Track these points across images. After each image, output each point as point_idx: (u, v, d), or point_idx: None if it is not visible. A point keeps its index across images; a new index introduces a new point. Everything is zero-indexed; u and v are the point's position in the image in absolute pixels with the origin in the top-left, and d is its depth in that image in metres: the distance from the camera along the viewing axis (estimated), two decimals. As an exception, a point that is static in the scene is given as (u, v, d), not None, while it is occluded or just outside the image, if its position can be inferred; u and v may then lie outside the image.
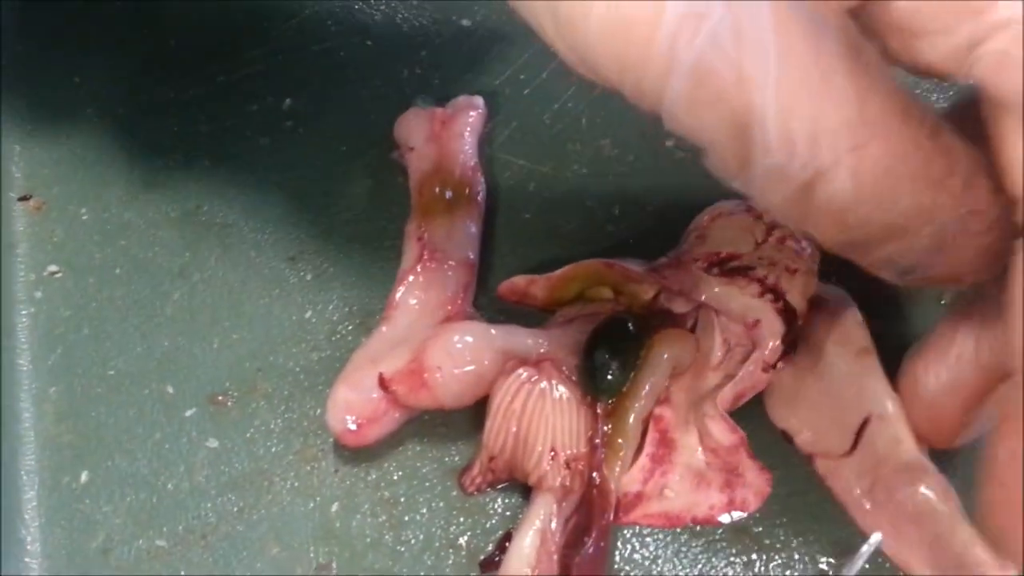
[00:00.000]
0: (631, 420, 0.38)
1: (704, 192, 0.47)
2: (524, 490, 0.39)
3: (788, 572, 0.36)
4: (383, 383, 0.39)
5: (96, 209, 0.50)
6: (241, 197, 0.50)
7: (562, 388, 0.39)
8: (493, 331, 0.40)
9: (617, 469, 0.38)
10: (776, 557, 0.37)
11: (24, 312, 0.47)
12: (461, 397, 0.39)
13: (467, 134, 0.49)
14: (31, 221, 0.50)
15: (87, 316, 0.47)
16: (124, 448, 0.42)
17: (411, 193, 0.47)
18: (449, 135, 0.49)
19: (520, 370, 0.39)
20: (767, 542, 0.37)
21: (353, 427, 0.39)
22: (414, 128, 0.49)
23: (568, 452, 0.38)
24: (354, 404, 0.39)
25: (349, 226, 0.48)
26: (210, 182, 0.51)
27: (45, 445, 0.43)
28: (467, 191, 0.46)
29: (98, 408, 0.44)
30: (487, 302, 0.45)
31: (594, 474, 0.37)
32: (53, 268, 0.48)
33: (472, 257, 0.45)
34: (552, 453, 0.38)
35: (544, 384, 0.39)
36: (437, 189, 0.46)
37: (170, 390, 0.44)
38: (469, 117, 0.50)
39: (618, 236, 0.47)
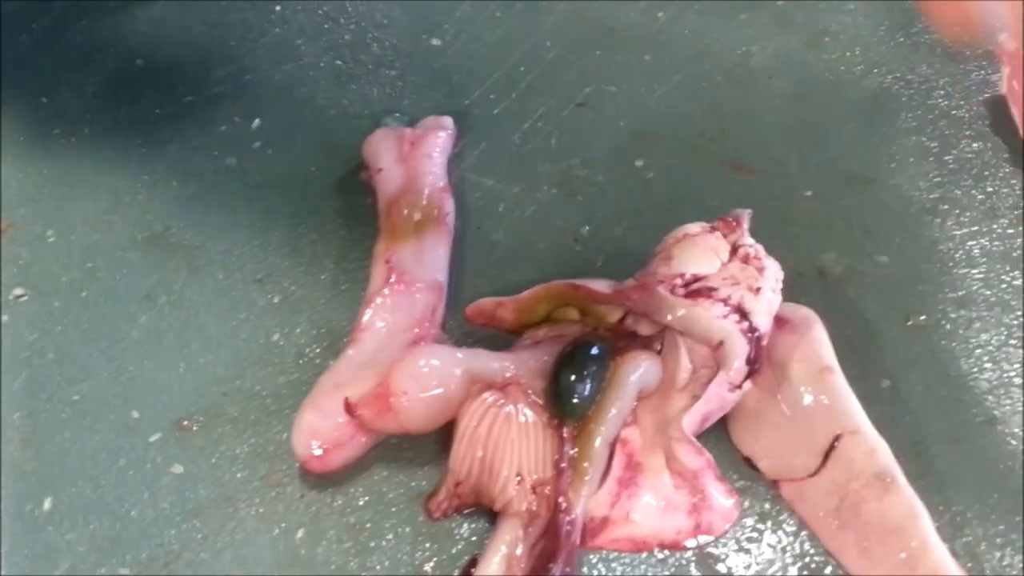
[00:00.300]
0: (597, 443, 0.38)
1: (672, 213, 0.47)
2: (490, 515, 0.39)
3: (754, 596, 0.36)
4: (349, 408, 0.39)
5: (62, 231, 0.50)
6: (208, 218, 0.50)
7: (528, 412, 0.39)
8: (459, 355, 0.40)
9: (584, 493, 0.38)
10: (742, 581, 0.37)
11: (-13, 336, 0.47)
12: (427, 421, 0.39)
13: (436, 154, 0.49)
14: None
15: (53, 340, 0.46)
16: (88, 474, 0.42)
17: (379, 214, 0.47)
18: (418, 156, 0.49)
19: (486, 394, 0.39)
20: (734, 567, 0.37)
21: (318, 452, 0.39)
22: (382, 148, 0.49)
23: (534, 477, 0.38)
24: (320, 429, 0.39)
25: (317, 247, 0.48)
26: (177, 203, 0.50)
27: (9, 471, 0.42)
28: (436, 213, 0.46)
29: (62, 434, 0.43)
30: (455, 324, 0.45)
31: (560, 499, 0.37)
32: (19, 291, 0.48)
33: (441, 280, 0.45)
34: (518, 478, 0.38)
35: (510, 408, 0.39)
36: (406, 211, 0.46)
37: (135, 415, 0.43)
38: (438, 138, 0.50)
39: (586, 257, 0.47)
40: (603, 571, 0.37)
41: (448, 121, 0.51)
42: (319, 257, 0.48)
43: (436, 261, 0.45)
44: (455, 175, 0.50)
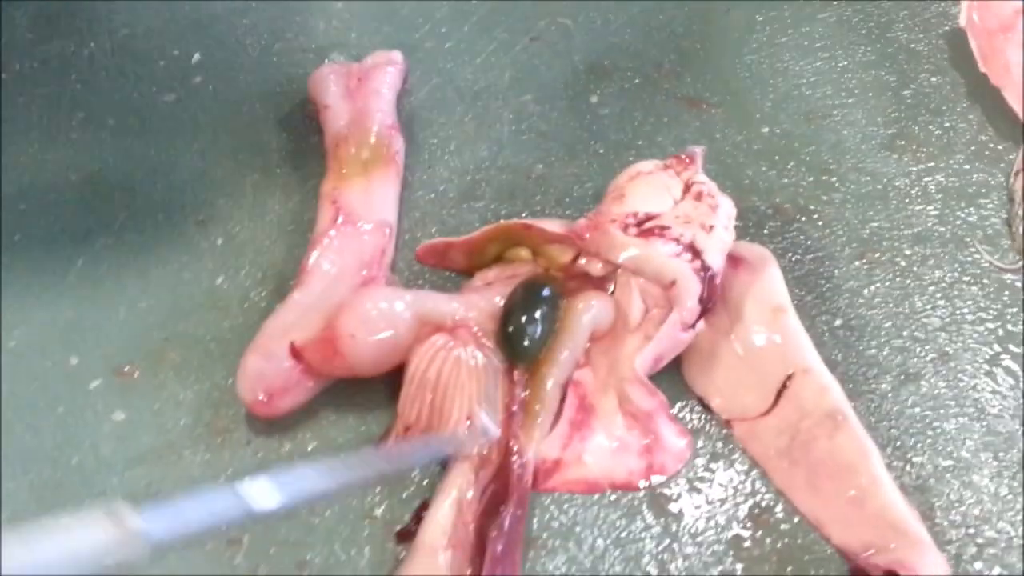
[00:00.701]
0: (549, 386, 0.37)
1: (627, 150, 0.47)
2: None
3: (706, 533, 0.36)
4: (295, 352, 0.38)
5: (-6, 171, 0.48)
6: (147, 157, 0.48)
7: (479, 355, 0.38)
8: (409, 296, 0.38)
9: (535, 436, 0.37)
10: (694, 521, 0.36)
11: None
12: (376, 364, 0.38)
13: (384, 90, 0.47)
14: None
15: (-13, 281, 0.45)
16: (26, 422, 0.41)
17: (326, 153, 0.46)
18: (365, 92, 0.47)
19: (436, 337, 0.38)
20: (685, 507, 0.37)
21: (264, 398, 0.38)
22: (329, 84, 0.47)
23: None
24: (265, 374, 0.38)
25: (261, 188, 0.47)
26: (114, 142, 0.49)
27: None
28: (384, 151, 0.45)
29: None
30: (405, 266, 0.44)
31: (511, 442, 0.36)
32: (-52, 235, 0.46)
33: (390, 220, 0.43)
34: (468, 421, 0.37)
35: (460, 351, 0.38)
36: (353, 149, 0.45)
37: (74, 361, 0.42)
38: (387, 73, 0.48)
39: (540, 196, 0.46)
40: (556, 513, 0.37)
41: (397, 55, 0.49)
42: (263, 198, 0.47)
43: (385, 201, 0.44)
44: (405, 112, 0.49)
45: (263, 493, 0.28)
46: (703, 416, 0.39)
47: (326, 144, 0.46)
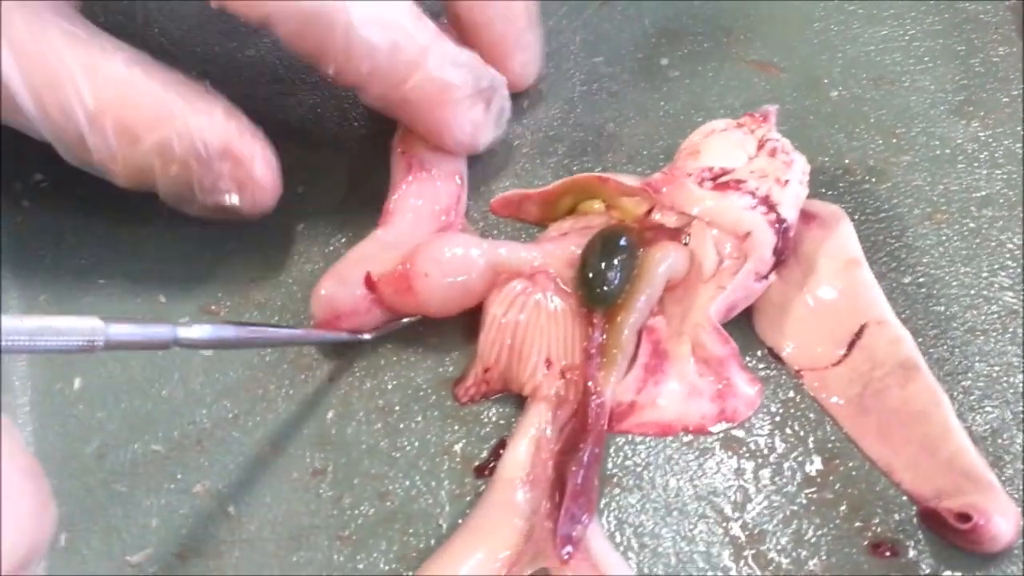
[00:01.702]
0: (626, 330, 0.39)
1: (696, 111, 0.47)
2: (518, 400, 0.39)
3: (777, 478, 0.37)
4: (369, 282, 0.39)
5: (80, 120, 0.50)
6: (230, 108, 0.50)
7: (557, 299, 0.39)
8: (485, 244, 0.40)
9: (612, 378, 0.38)
10: (765, 464, 0.38)
11: (9, 221, 0.46)
12: (445, 306, 0.40)
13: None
14: (14, 131, 0.49)
15: (75, 226, 0.46)
16: (117, 356, 0.42)
17: None
18: None
19: (515, 282, 0.39)
20: (756, 450, 0.38)
21: (331, 318, 0.40)
22: None
23: (563, 362, 0.38)
24: (337, 297, 0.40)
25: (339, 141, 0.48)
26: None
27: (35, 355, 0.43)
28: None
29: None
30: (480, 217, 0.45)
31: (590, 383, 0.38)
32: (39, 176, 0.48)
33: (460, 169, 0.45)
34: (547, 363, 0.38)
35: (539, 295, 0.39)
36: None
37: (162, 299, 0.44)
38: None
39: (611, 153, 0.47)
40: (629, 453, 0.38)
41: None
42: (341, 151, 0.48)
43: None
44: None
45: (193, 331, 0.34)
46: (773, 366, 0.40)
47: None
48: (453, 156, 0.45)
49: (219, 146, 0.38)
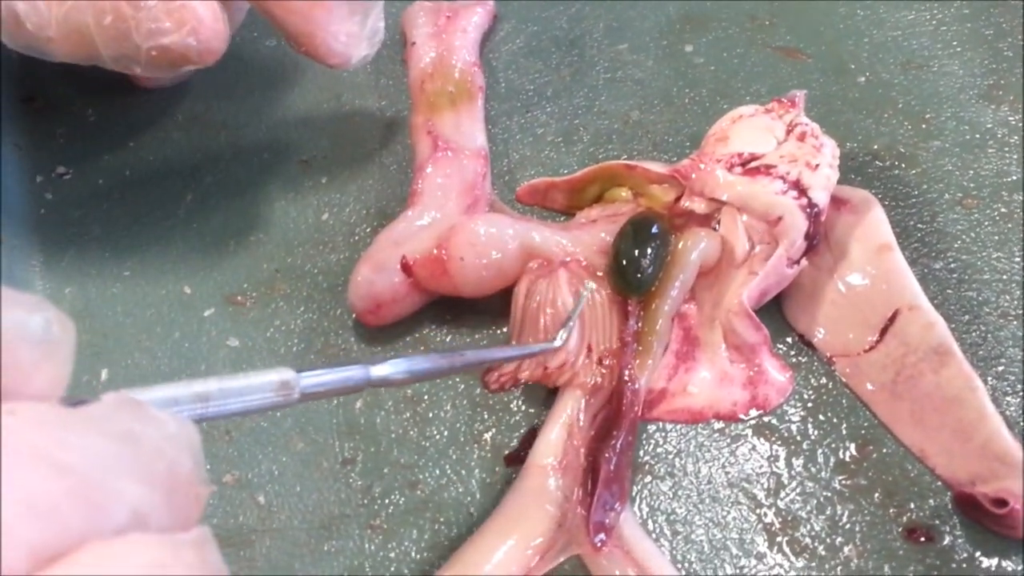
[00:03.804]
0: (661, 318, 0.38)
1: (722, 98, 0.47)
2: (546, 389, 0.39)
3: (810, 465, 0.37)
4: (405, 267, 0.39)
5: (101, 111, 0.50)
6: (249, 99, 0.50)
7: (591, 286, 0.39)
8: (518, 226, 0.40)
9: (648, 365, 0.38)
10: (798, 451, 0.37)
11: (33, 213, 0.46)
12: (480, 287, 0.40)
13: (470, 30, 0.49)
14: (36, 121, 0.49)
15: (98, 218, 0.46)
16: (143, 347, 0.42)
17: (411, 88, 0.47)
18: (452, 30, 0.48)
19: (556, 270, 0.39)
20: (788, 437, 0.38)
21: (373, 307, 0.40)
22: (418, 21, 0.49)
23: (601, 348, 0.38)
24: (376, 284, 0.40)
25: (362, 128, 0.48)
26: (217, 84, 0.50)
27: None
28: (469, 85, 0.46)
29: (114, 308, 0.43)
30: (505, 205, 0.45)
31: (625, 371, 0.37)
32: (61, 169, 0.48)
33: (483, 146, 0.45)
34: (588, 350, 0.38)
35: (573, 283, 0.39)
36: (439, 84, 0.46)
37: (187, 290, 0.44)
38: (475, 13, 0.49)
39: (637, 141, 0.46)
40: (661, 441, 0.38)
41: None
42: (363, 137, 0.48)
43: (475, 129, 0.45)
44: (502, 58, 0.50)
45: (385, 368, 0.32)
46: (805, 352, 0.40)
47: (411, 81, 0.47)
48: (477, 134, 0.45)
49: None
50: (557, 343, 0.37)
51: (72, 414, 0.20)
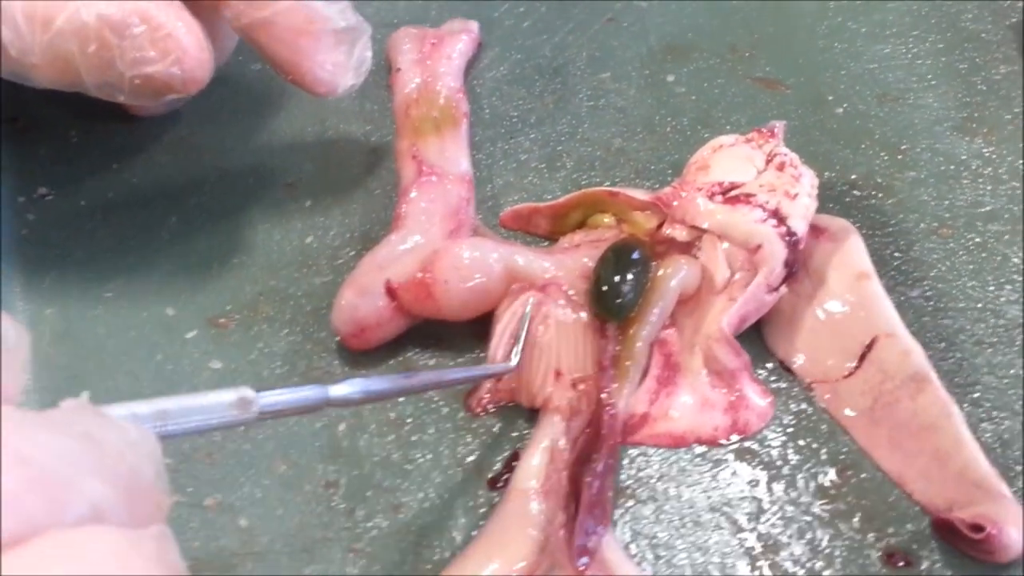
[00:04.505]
0: (639, 343, 0.39)
1: (703, 127, 0.48)
2: (530, 412, 0.39)
3: (790, 489, 0.37)
4: (390, 291, 0.39)
5: (84, 132, 0.50)
6: (234, 123, 0.50)
7: (568, 311, 0.39)
8: (502, 249, 0.40)
9: (626, 390, 0.38)
10: (778, 476, 0.38)
11: (14, 234, 0.46)
12: (465, 310, 0.40)
13: (455, 57, 0.49)
14: (18, 142, 0.49)
15: (81, 239, 0.46)
16: (125, 369, 0.42)
17: (396, 114, 0.47)
18: (437, 57, 0.49)
19: (527, 295, 0.39)
20: (769, 461, 0.38)
21: (357, 331, 0.40)
22: (403, 48, 0.50)
23: (575, 374, 0.38)
24: (360, 308, 0.40)
25: (346, 152, 0.48)
26: (201, 108, 0.50)
27: (42, 366, 0.42)
28: (453, 111, 0.47)
29: (96, 330, 0.43)
30: (488, 230, 0.45)
31: (603, 394, 0.38)
32: (43, 190, 0.48)
33: (468, 171, 0.45)
34: (556, 375, 0.38)
35: (550, 308, 0.39)
36: (424, 110, 0.47)
37: (170, 312, 0.43)
38: (460, 40, 0.50)
39: (619, 168, 0.47)
40: (642, 465, 0.38)
41: (473, 25, 0.51)
42: (348, 162, 0.48)
43: (459, 155, 0.46)
44: (486, 85, 0.50)
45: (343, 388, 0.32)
46: (784, 378, 0.40)
47: (395, 107, 0.48)
48: (461, 159, 0.45)
49: (132, 8, 0.37)
50: (512, 362, 0.38)
51: (33, 415, 0.21)
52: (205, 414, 0.28)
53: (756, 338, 0.41)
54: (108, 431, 0.22)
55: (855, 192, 0.45)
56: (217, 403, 0.29)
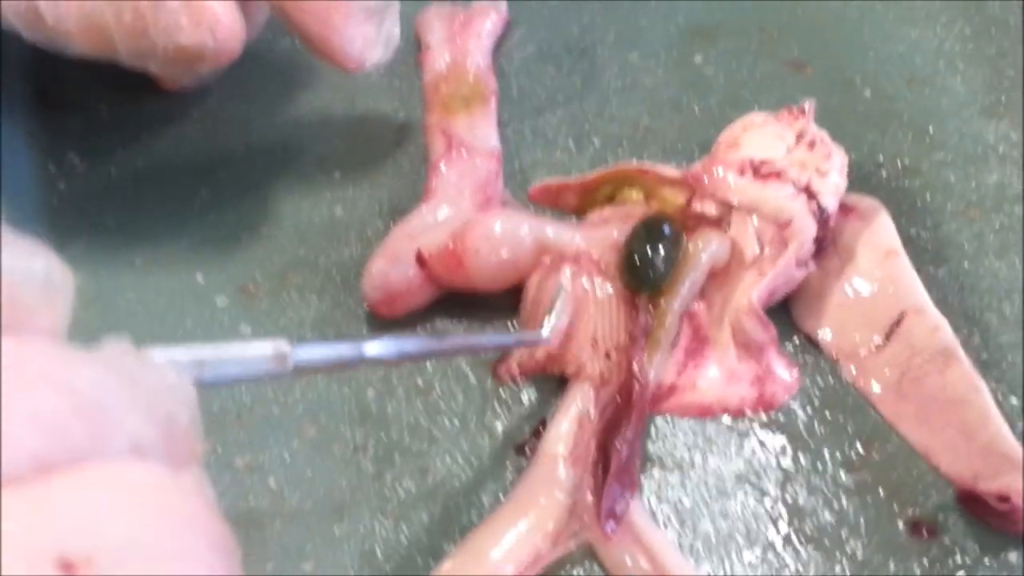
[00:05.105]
0: (670, 316, 0.39)
1: (730, 108, 0.48)
2: (557, 381, 0.40)
3: (816, 460, 0.37)
4: (420, 260, 0.40)
5: (114, 103, 0.50)
6: (263, 98, 0.50)
7: (601, 283, 0.40)
8: (533, 221, 0.40)
9: (656, 360, 0.38)
10: (804, 447, 0.38)
11: (45, 203, 0.47)
12: (494, 281, 0.40)
13: (484, 35, 0.50)
14: (49, 112, 0.50)
15: (111, 208, 0.46)
16: (155, 333, 0.42)
17: (425, 90, 0.48)
18: (466, 35, 0.49)
19: (563, 266, 0.40)
20: (795, 433, 0.38)
21: (386, 299, 0.40)
22: (433, 26, 0.50)
23: (608, 344, 0.39)
24: (390, 276, 0.40)
25: (376, 127, 0.49)
26: (229, 81, 0.50)
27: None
28: (482, 89, 0.48)
29: (126, 296, 0.44)
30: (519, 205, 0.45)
31: (634, 364, 0.38)
32: (74, 160, 0.48)
33: (496, 147, 0.46)
34: (593, 344, 0.38)
35: (586, 280, 0.40)
36: (453, 87, 0.47)
37: (200, 279, 0.44)
38: (489, 18, 0.50)
39: (647, 146, 0.47)
40: (669, 434, 0.39)
41: (502, 4, 0.51)
42: (377, 137, 0.48)
43: (488, 132, 0.46)
44: (514, 63, 0.51)
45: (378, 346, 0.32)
46: (811, 352, 0.40)
47: (425, 84, 0.48)
48: (492, 135, 0.46)
49: None
50: (545, 333, 0.38)
51: (75, 349, 0.21)
52: (241, 365, 0.28)
53: (783, 314, 0.41)
54: (148, 373, 0.22)
55: (882, 173, 0.45)
56: (253, 354, 0.29)
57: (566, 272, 0.39)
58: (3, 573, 0.16)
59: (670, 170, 0.43)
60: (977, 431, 0.36)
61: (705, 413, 0.39)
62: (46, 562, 0.17)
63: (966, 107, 0.47)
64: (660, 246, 0.39)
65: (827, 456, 0.38)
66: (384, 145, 0.48)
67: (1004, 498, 0.34)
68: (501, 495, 0.37)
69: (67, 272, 0.23)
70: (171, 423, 0.21)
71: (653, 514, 0.37)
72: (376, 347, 0.32)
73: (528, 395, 0.40)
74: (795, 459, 0.38)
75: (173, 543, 0.19)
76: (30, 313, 0.21)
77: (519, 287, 0.40)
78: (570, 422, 0.37)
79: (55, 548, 0.17)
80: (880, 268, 0.40)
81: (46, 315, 0.22)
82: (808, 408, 0.39)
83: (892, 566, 0.35)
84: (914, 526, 0.36)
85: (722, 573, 0.35)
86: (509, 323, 0.41)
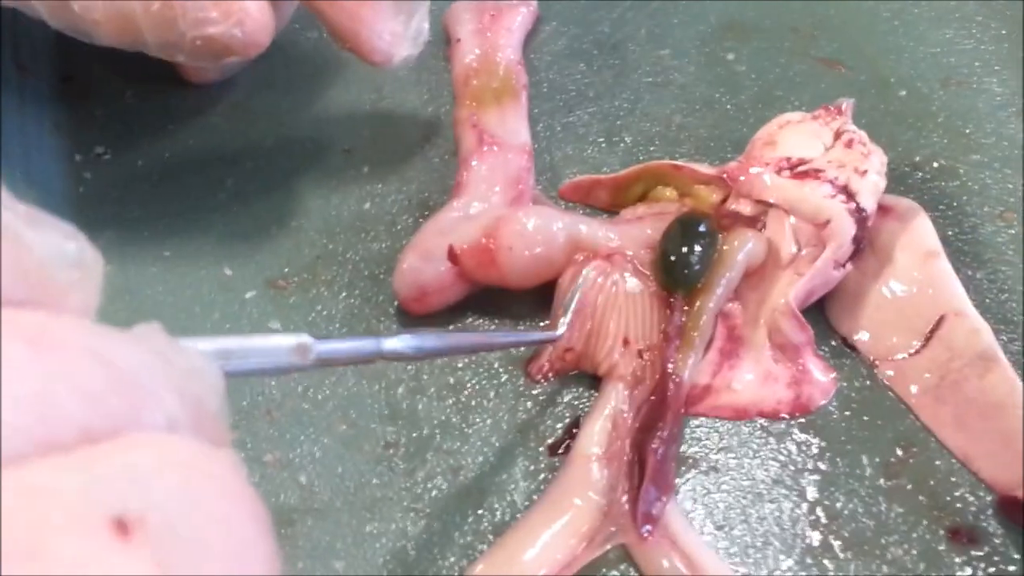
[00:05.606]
0: (705, 315, 0.38)
1: (763, 106, 0.48)
2: (590, 380, 0.39)
3: (854, 464, 0.37)
4: (452, 256, 0.39)
5: (140, 94, 0.50)
6: (291, 90, 0.50)
7: (635, 281, 0.39)
8: (567, 218, 0.40)
9: (691, 360, 0.38)
10: (841, 450, 0.37)
11: (72, 192, 0.46)
12: (527, 277, 0.40)
13: (514, 29, 0.49)
14: (75, 102, 0.49)
15: (137, 198, 0.46)
16: (183, 327, 0.42)
17: (454, 84, 0.47)
18: (497, 28, 0.49)
19: (594, 261, 0.39)
20: (832, 437, 0.38)
21: (418, 295, 0.40)
22: (462, 19, 0.50)
23: (641, 343, 0.38)
24: (422, 273, 0.40)
25: (404, 120, 0.48)
26: (257, 74, 0.50)
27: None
28: (513, 83, 0.47)
29: (154, 287, 0.43)
30: (550, 201, 0.45)
31: (668, 364, 0.37)
32: (100, 150, 0.48)
33: (528, 142, 0.45)
34: (624, 343, 0.38)
35: (617, 277, 0.39)
36: (483, 80, 0.47)
37: (228, 272, 0.43)
38: (519, 13, 0.50)
39: (679, 143, 0.47)
40: (703, 436, 0.38)
41: (533, 1, 0.51)
42: (406, 130, 0.48)
43: (519, 126, 0.46)
44: (544, 59, 0.50)
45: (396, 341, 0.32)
46: (848, 355, 0.40)
47: (454, 77, 0.48)
48: (520, 130, 0.45)
49: None
50: (559, 331, 0.38)
51: (109, 328, 0.20)
52: (265, 356, 0.28)
53: (819, 316, 0.41)
54: (179, 356, 0.22)
55: (917, 174, 0.45)
56: (277, 346, 0.28)
57: (589, 267, 0.39)
58: (59, 536, 0.16)
59: (705, 168, 0.43)
60: (1018, 437, 0.36)
61: (740, 415, 0.38)
62: (100, 524, 0.17)
63: (1002, 109, 0.47)
64: (696, 244, 0.39)
65: (864, 461, 0.37)
66: (412, 139, 0.48)
67: (1047, 506, 0.34)
68: (534, 495, 0.37)
69: (97, 255, 0.23)
70: (201, 407, 0.21)
71: (688, 516, 0.36)
72: (394, 343, 0.32)
73: (560, 394, 0.39)
74: (832, 463, 0.37)
75: (220, 510, 0.19)
76: (63, 292, 0.21)
77: (551, 284, 0.40)
78: (604, 422, 0.37)
79: (109, 510, 0.17)
80: (919, 270, 0.40)
81: (78, 295, 0.22)
82: (845, 411, 0.38)
83: (933, 574, 0.34)
84: (954, 533, 0.35)
85: (759, 577, 0.35)
86: (539, 321, 0.41)
